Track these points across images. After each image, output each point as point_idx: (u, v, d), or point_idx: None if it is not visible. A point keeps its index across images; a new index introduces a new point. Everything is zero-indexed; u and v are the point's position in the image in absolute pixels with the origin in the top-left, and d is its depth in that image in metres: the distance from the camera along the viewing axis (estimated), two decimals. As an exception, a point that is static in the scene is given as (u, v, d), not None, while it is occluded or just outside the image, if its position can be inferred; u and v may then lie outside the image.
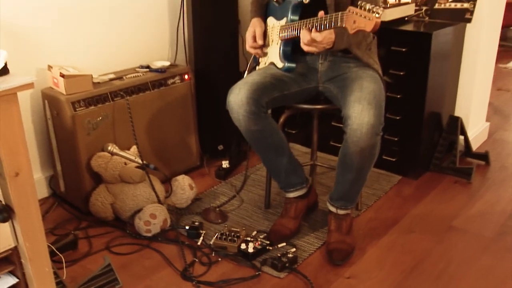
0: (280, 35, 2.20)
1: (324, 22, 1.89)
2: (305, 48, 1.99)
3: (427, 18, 2.96)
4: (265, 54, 2.34)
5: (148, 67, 2.81)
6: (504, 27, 5.87)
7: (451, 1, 2.90)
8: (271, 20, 2.31)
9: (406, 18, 2.91)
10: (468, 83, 3.03)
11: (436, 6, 2.94)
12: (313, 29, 1.93)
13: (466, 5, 2.86)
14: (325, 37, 1.94)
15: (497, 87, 4.59)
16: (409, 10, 2.92)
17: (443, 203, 2.65)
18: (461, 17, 2.87)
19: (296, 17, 2.14)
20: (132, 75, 2.69)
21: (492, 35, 3.10)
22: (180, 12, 3.06)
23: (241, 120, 2.11)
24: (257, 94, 2.09)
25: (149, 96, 2.67)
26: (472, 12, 2.85)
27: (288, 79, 2.22)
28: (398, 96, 2.74)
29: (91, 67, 2.71)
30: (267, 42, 2.32)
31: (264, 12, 2.36)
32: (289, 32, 2.13)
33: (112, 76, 2.66)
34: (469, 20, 2.87)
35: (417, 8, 2.98)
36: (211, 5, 2.87)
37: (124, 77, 2.65)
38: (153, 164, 2.45)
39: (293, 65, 2.21)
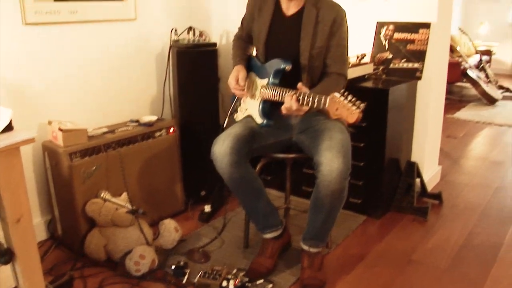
0: (262, 92, 2.21)
1: (307, 99, 1.92)
2: (285, 111, 2.01)
3: (384, 76, 3.05)
4: (246, 97, 2.34)
5: (137, 121, 2.82)
6: (449, 83, 6.10)
7: (404, 62, 3.01)
8: (252, 75, 2.32)
9: (366, 76, 2.99)
10: (422, 132, 3.11)
11: (391, 65, 3.05)
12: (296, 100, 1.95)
13: (416, 65, 2.97)
14: (304, 108, 1.98)
15: (446, 134, 4.70)
16: (368, 69, 3.01)
17: (403, 239, 2.67)
18: (413, 75, 2.97)
19: (277, 81, 2.16)
20: (123, 128, 2.70)
21: (439, 90, 3.21)
22: (166, 72, 3.10)
23: (224, 169, 2.12)
24: (239, 145, 2.11)
25: (139, 148, 2.67)
26: (421, 71, 2.96)
27: (265, 132, 2.25)
28: (361, 145, 2.78)
29: (87, 121, 2.71)
30: (248, 94, 2.33)
31: (246, 63, 2.36)
32: (270, 94, 2.14)
33: (105, 129, 2.66)
34: (419, 78, 2.97)
35: (375, 67, 3.07)
36: (194, 65, 2.92)
37: (116, 131, 2.66)
38: (142, 209, 2.43)
39: (271, 122, 2.22)
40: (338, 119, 2.19)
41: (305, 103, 1.94)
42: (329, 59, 2.19)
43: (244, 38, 2.45)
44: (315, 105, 1.89)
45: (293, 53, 2.17)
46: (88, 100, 2.76)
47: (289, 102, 1.97)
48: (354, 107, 1.74)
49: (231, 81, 2.29)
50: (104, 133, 2.62)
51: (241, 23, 2.47)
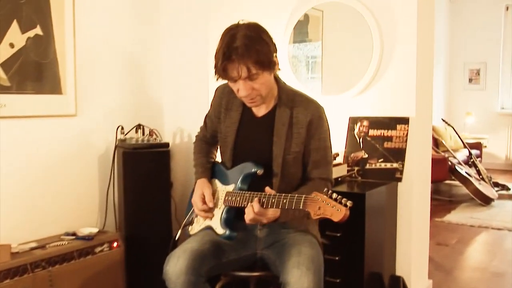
0: (227, 199, 2.22)
1: (283, 201, 1.96)
2: (247, 220, 2.04)
3: (359, 178, 3.14)
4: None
5: (74, 234, 2.80)
6: (436, 181, 6.28)
7: (381, 161, 3.13)
8: (215, 182, 2.35)
9: (339, 179, 3.07)
10: (406, 240, 3.16)
11: (367, 166, 3.16)
12: (265, 205, 1.99)
13: (395, 165, 3.09)
14: (274, 213, 2.03)
15: (436, 242, 4.77)
16: (341, 170, 3.10)
17: None
18: (392, 176, 3.08)
19: (245, 186, 2.20)
20: (56, 243, 2.68)
21: (424, 192, 3.31)
22: (111, 176, 3.14)
23: (179, 291, 2.09)
24: (197, 263, 2.08)
25: (75, 266, 2.64)
26: (401, 172, 3.07)
27: (226, 247, 2.24)
28: (337, 258, 2.80)
29: (11, 235, 2.68)
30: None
31: (210, 174, 2.39)
32: (236, 200, 2.16)
33: (33, 245, 2.63)
34: (399, 179, 3.07)
35: (349, 168, 3.17)
36: (142, 168, 2.97)
37: (47, 246, 2.63)
38: None
39: (235, 234, 2.22)
40: (310, 232, 2.26)
41: (269, 204, 1.98)
42: (310, 164, 2.25)
43: (208, 139, 2.51)
44: (293, 206, 1.92)
45: (264, 159, 2.21)
46: (13, 208, 2.74)
47: (250, 207, 2.01)
48: (341, 205, 1.80)
49: (197, 202, 2.29)
50: (32, 248, 2.60)
51: (204, 122, 2.52)
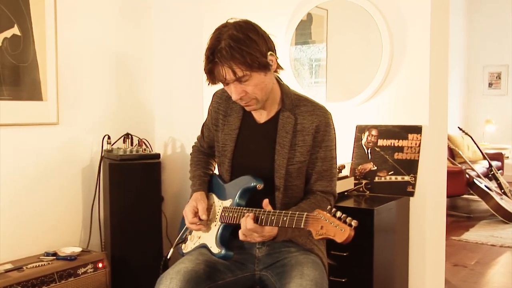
0: (223, 215, 2.23)
1: (283, 218, 1.96)
2: (242, 237, 2.05)
3: (367, 193, 3.15)
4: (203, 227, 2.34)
5: (55, 254, 2.80)
6: (452, 196, 6.26)
7: (391, 174, 3.13)
8: (212, 197, 2.36)
9: (345, 193, 3.08)
10: (419, 260, 3.15)
11: (376, 179, 3.16)
12: (264, 223, 2.00)
13: (407, 178, 3.09)
14: (270, 231, 2.04)
15: (453, 263, 4.76)
16: (348, 184, 3.10)
17: None
18: (403, 191, 3.08)
19: (244, 202, 2.21)
20: (34, 264, 2.67)
21: (439, 207, 3.30)
22: (96, 189, 3.14)
23: (171, 317, 2.09)
24: (191, 285, 2.07)
25: (55, 290, 2.64)
26: (413, 185, 3.08)
27: (222, 267, 2.24)
28: (343, 280, 2.80)
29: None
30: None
31: (207, 188, 2.40)
32: (233, 217, 2.17)
33: (9, 266, 2.63)
34: (411, 194, 3.08)
35: (356, 182, 3.18)
36: (130, 181, 2.97)
37: (24, 267, 2.63)
38: None
39: (231, 253, 2.22)
40: (314, 253, 2.26)
41: (268, 222, 1.98)
42: (314, 175, 2.26)
43: (205, 150, 2.52)
44: (294, 224, 1.93)
45: (265, 171, 2.22)
46: (-12, 227, 2.75)
47: (244, 223, 2.02)
48: (345, 224, 1.80)
49: (188, 214, 2.29)
50: (8, 270, 2.60)
51: (201, 131, 2.53)
